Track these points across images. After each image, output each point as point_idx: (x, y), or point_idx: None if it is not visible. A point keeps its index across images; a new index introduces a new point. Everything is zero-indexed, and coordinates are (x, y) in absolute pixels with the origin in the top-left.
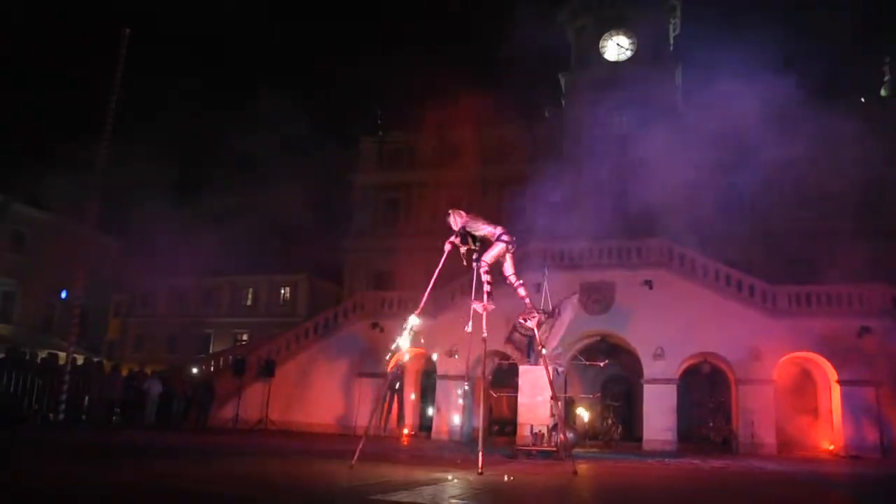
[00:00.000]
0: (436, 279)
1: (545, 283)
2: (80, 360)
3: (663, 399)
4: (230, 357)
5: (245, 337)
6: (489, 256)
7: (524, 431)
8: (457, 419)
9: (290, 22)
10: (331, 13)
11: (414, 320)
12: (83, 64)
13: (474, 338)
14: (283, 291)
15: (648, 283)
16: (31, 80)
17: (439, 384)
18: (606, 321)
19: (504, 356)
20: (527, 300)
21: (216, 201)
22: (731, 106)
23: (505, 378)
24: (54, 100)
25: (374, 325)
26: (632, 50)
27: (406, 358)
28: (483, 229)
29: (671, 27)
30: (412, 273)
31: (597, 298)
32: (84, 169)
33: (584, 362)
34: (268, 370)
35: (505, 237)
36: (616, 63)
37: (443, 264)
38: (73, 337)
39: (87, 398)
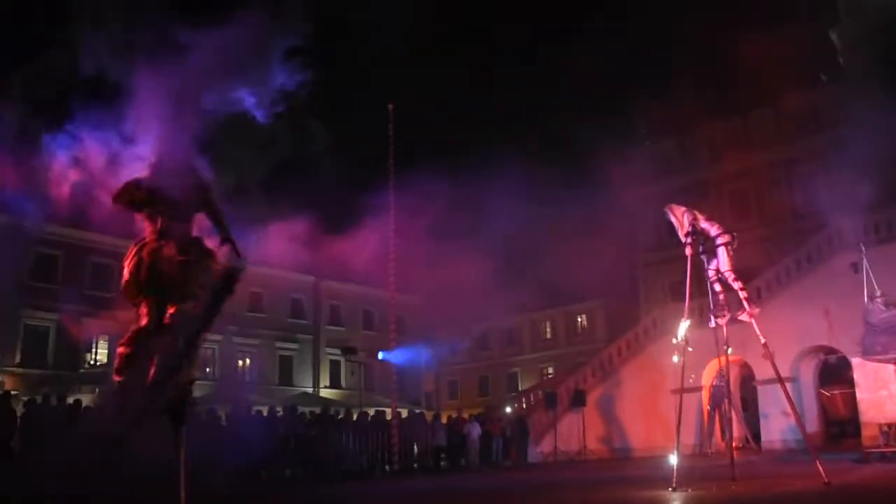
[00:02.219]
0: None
1: (864, 262)
2: (404, 414)
3: None
4: (541, 392)
5: (550, 370)
6: (722, 262)
7: (870, 431)
8: (786, 425)
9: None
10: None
11: (684, 325)
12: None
13: (792, 336)
14: (579, 320)
15: None
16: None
17: (761, 391)
18: None
19: (830, 350)
20: (745, 298)
21: (503, 245)
22: None
23: (834, 374)
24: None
25: (684, 337)
26: None
27: (721, 367)
28: (703, 223)
29: None
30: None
31: None
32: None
33: None
34: (578, 400)
35: (725, 237)
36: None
37: (691, 269)
38: (395, 393)
39: (415, 448)
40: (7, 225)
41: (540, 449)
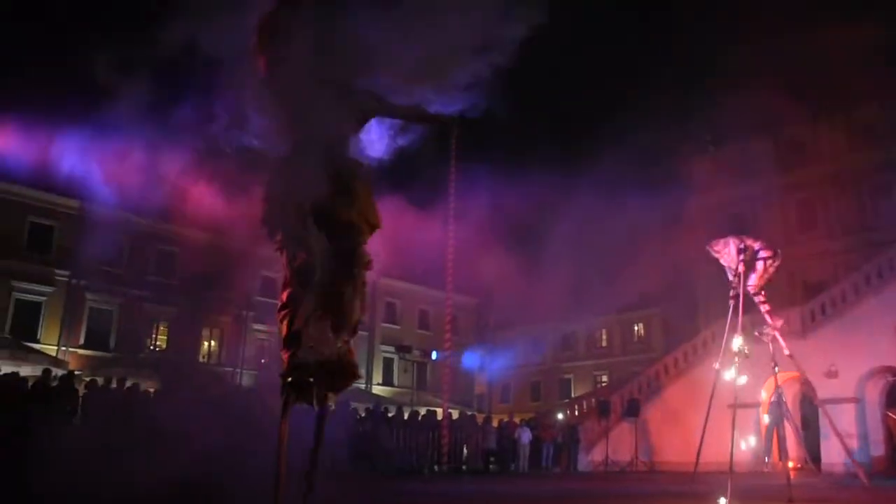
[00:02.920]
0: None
1: None
2: (455, 415)
3: None
4: (594, 399)
5: (604, 378)
6: (757, 277)
7: None
8: (850, 448)
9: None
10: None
11: (738, 341)
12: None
13: (858, 355)
14: (636, 328)
15: None
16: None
17: (822, 410)
18: None
19: None
20: (768, 313)
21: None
22: None
23: None
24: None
25: (739, 352)
26: None
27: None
28: (753, 247)
29: None
30: (776, 291)
31: None
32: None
33: None
34: (633, 410)
35: (766, 252)
36: None
37: (744, 287)
38: (447, 394)
39: (465, 449)
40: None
41: (591, 458)
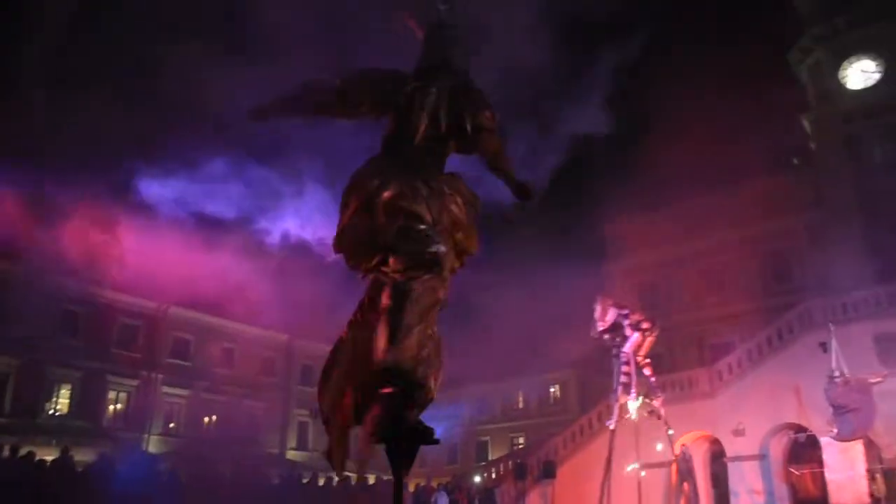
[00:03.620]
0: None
1: (833, 342)
2: (371, 480)
3: None
4: (510, 462)
5: (521, 440)
6: (629, 346)
7: None
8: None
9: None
10: None
11: (633, 405)
12: None
13: (763, 413)
14: (552, 390)
15: None
16: None
17: (730, 467)
18: None
19: (800, 428)
20: (653, 379)
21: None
22: None
23: (804, 453)
24: None
25: (651, 412)
26: (879, 72)
27: (684, 445)
28: (630, 317)
29: None
30: (684, 353)
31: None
32: None
33: None
34: (548, 471)
35: (646, 324)
36: (863, 90)
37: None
38: (365, 458)
39: None
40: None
41: None
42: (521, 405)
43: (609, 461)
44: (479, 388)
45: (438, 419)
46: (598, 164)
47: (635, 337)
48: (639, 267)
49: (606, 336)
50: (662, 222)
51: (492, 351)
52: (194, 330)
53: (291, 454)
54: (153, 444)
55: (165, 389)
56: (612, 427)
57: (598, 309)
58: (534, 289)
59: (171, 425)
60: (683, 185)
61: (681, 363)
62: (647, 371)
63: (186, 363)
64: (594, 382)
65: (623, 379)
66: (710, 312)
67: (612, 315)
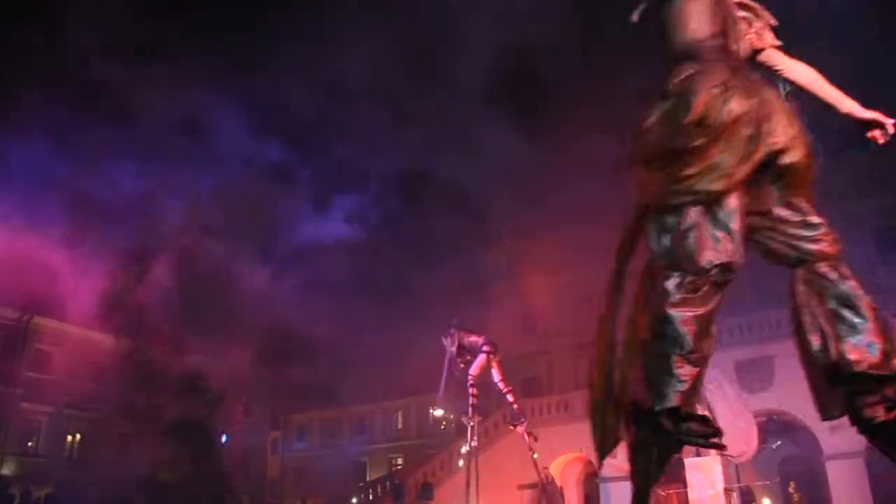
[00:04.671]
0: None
1: None
2: (246, 501)
3: (852, 476)
4: (387, 483)
5: (399, 461)
6: (474, 368)
7: None
8: None
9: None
10: None
11: (438, 412)
12: None
13: None
14: (431, 411)
15: None
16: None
17: (602, 488)
18: (770, 399)
19: None
20: (514, 406)
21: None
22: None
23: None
24: None
25: (528, 434)
26: None
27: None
28: (468, 339)
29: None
30: (561, 375)
31: (755, 376)
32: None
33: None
34: (425, 493)
35: (486, 347)
36: None
37: (446, 379)
38: (237, 479)
39: None
40: None
41: None
42: (400, 426)
43: (468, 482)
44: (359, 409)
45: (316, 439)
46: (484, 187)
47: (480, 359)
48: (521, 290)
49: (458, 359)
50: (545, 248)
51: (373, 372)
52: (59, 342)
53: (162, 475)
54: (7, 466)
55: (25, 405)
56: (466, 449)
57: (446, 335)
58: (417, 311)
59: (30, 444)
60: (569, 213)
61: (559, 386)
62: (509, 398)
63: (49, 377)
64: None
65: (472, 401)
66: (588, 337)
67: (457, 339)
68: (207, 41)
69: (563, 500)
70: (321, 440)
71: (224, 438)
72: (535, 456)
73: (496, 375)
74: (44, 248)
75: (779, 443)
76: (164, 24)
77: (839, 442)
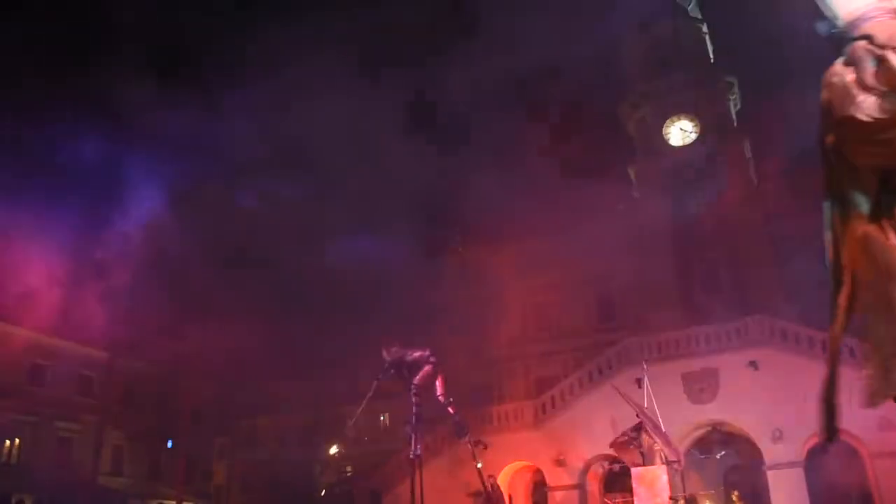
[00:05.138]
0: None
1: (645, 379)
2: None
3: (791, 485)
4: (336, 490)
5: (349, 468)
6: (418, 378)
7: None
8: None
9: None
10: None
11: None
12: None
13: (581, 444)
14: (382, 418)
15: (753, 364)
16: None
17: (551, 496)
18: (715, 410)
19: (614, 459)
20: (456, 418)
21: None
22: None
23: (618, 482)
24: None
25: (478, 443)
26: (696, 132)
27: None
28: (412, 355)
29: (731, 103)
30: (512, 384)
31: (701, 387)
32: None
33: (699, 455)
34: (374, 501)
35: (432, 358)
36: (682, 147)
37: (372, 393)
38: (181, 485)
39: None
40: None
41: None
42: (350, 433)
43: (412, 490)
44: (308, 414)
45: (265, 445)
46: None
47: (425, 370)
48: (472, 297)
49: (392, 372)
50: (497, 258)
51: (322, 376)
52: None
53: (104, 479)
54: None
55: None
56: (412, 457)
57: (384, 350)
58: (367, 320)
59: None
60: (522, 223)
61: (509, 395)
62: (450, 410)
63: None
64: (425, 411)
65: (415, 410)
66: (538, 347)
67: (396, 353)
68: None
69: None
70: (269, 447)
71: (169, 444)
72: (479, 465)
73: (439, 388)
74: None
75: (723, 452)
76: None
77: (780, 452)
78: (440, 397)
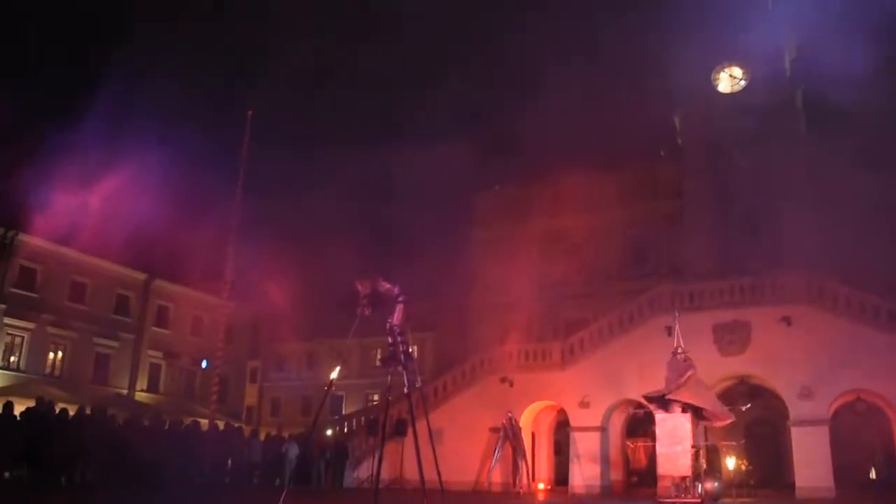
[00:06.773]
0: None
1: (676, 327)
2: (221, 426)
3: (815, 442)
4: (363, 418)
5: (375, 397)
6: (394, 317)
7: (664, 482)
8: (593, 472)
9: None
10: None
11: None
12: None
13: (607, 388)
14: (412, 349)
15: (787, 320)
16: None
17: (573, 436)
18: (744, 363)
19: (638, 405)
20: (402, 348)
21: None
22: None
23: (640, 427)
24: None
25: (503, 380)
26: (746, 80)
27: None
28: (383, 286)
29: (787, 51)
30: (540, 325)
31: (731, 339)
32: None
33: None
34: (400, 429)
35: (401, 298)
36: (731, 95)
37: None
38: (214, 404)
39: (229, 462)
40: None
41: (357, 474)
42: (378, 363)
43: (383, 425)
44: (337, 343)
45: (294, 370)
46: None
47: (398, 309)
48: (506, 236)
49: (368, 312)
50: (532, 197)
51: (352, 308)
52: (44, 260)
53: (140, 395)
54: None
55: (7, 321)
56: (406, 392)
57: (360, 285)
58: (400, 251)
59: (13, 359)
60: (557, 164)
61: (537, 335)
62: (390, 339)
63: (33, 295)
64: (451, 345)
65: (403, 348)
66: (569, 289)
67: (368, 286)
68: None
69: (522, 441)
70: (300, 372)
71: (204, 364)
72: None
73: (396, 317)
74: None
75: (748, 405)
76: None
77: (806, 409)
78: (395, 326)
